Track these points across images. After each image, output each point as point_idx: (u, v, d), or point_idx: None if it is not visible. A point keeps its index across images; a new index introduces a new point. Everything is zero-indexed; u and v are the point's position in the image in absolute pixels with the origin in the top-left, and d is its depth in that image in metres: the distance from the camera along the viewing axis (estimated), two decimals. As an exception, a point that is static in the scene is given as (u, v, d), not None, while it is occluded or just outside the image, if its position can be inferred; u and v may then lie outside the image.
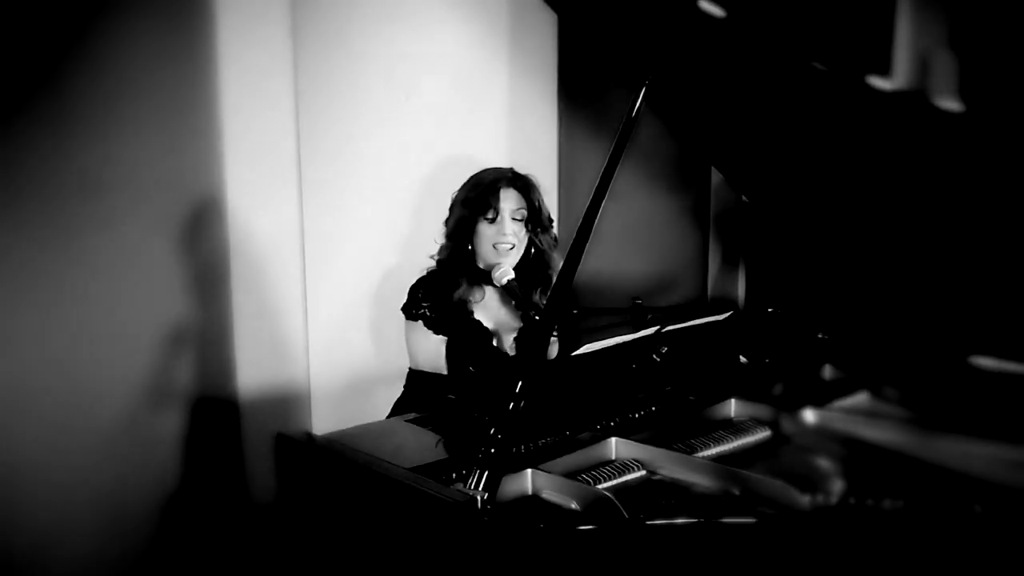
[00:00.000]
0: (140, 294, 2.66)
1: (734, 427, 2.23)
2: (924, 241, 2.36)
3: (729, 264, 4.47)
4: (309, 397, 3.05)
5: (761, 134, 2.48)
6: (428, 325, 2.65)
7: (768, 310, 2.72)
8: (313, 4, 2.94)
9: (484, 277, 2.68)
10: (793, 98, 2.20)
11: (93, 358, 2.59)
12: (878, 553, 1.63)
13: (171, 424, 2.78)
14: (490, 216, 2.64)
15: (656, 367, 2.33)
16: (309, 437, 2.18)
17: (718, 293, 4.47)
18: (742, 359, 2.60)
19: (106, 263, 2.59)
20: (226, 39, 2.74)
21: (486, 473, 1.70)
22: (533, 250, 2.73)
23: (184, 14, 2.67)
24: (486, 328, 2.68)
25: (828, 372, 2.61)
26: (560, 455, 2.00)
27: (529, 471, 1.91)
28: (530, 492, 1.91)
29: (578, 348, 2.10)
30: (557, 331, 2.75)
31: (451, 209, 2.73)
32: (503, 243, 2.64)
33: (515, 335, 2.72)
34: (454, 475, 1.89)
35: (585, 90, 3.71)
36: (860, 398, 2.39)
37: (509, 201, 2.65)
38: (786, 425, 2.23)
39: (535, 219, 2.69)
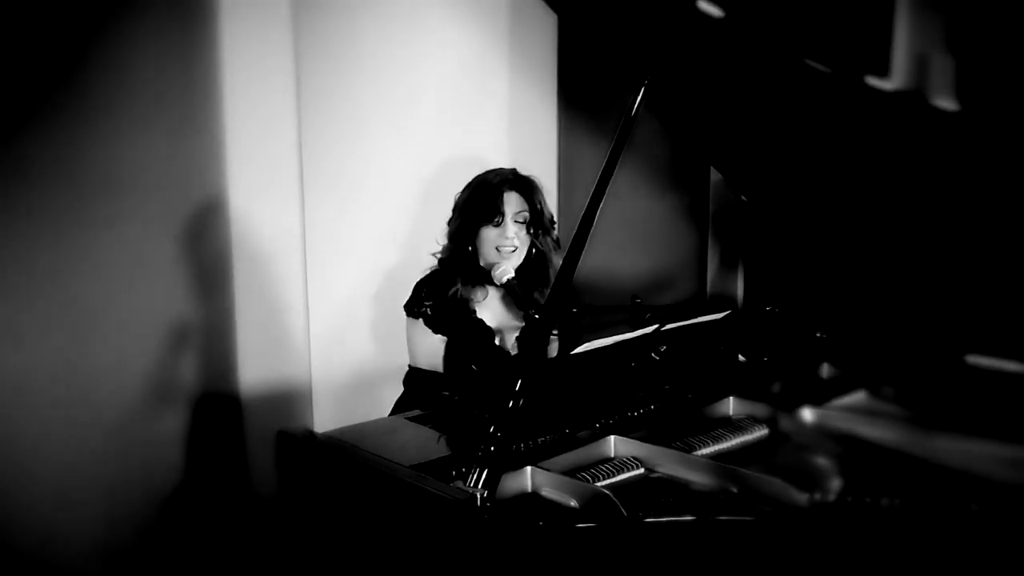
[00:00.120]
0: (144, 292, 2.67)
1: (732, 425, 2.23)
2: (922, 240, 2.37)
3: (728, 263, 4.48)
4: (310, 394, 3.05)
5: (760, 134, 2.48)
6: (428, 324, 2.66)
7: (766, 309, 2.72)
8: (315, 7, 2.95)
9: (486, 277, 2.69)
10: (792, 98, 2.20)
11: (97, 355, 2.60)
12: (876, 551, 1.64)
13: (174, 420, 2.79)
14: (493, 220, 2.65)
15: (655, 365, 2.34)
16: (310, 434, 2.18)
17: (717, 292, 4.48)
18: (740, 357, 2.60)
19: (111, 261, 2.60)
20: (229, 42, 2.75)
21: (486, 471, 1.71)
22: (534, 250, 2.73)
23: (188, 18, 2.69)
24: (488, 327, 2.69)
25: (826, 370, 2.61)
26: (559, 453, 2.01)
27: (529, 469, 1.91)
28: (529, 490, 1.91)
29: (578, 347, 2.10)
30: (557, 330, 2.75)
31: (454, 211, 2.73)
32: (506, 246, 2.64)
33: (517, 334, 2.73)
34: (454, 473, 1.89)
35: (585, 90, 3.72)
36: (858, 396, 2.39)
37: (511, 205, 2.66)
38: (784, 423, 2.24)
39: (536, 222, 2.69)
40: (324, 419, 3.06)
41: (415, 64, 3.23)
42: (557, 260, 2.72)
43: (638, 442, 2.06)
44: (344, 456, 2.00)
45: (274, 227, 2.89)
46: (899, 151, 2.14)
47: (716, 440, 2.14)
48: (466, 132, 3.38)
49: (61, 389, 2.55)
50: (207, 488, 2.87)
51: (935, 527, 1.70)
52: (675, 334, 2.34)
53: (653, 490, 1.92)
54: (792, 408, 2.25)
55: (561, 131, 3.65)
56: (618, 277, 3.89)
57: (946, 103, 1.89)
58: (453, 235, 2.71)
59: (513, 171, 2.72)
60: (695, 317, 2.40)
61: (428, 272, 2.74)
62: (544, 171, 2.94)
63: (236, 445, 2.89)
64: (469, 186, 2.72)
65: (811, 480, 1.92)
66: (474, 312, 2.69)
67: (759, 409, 2.30)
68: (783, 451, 2.16)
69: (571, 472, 1.94)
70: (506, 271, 2.60)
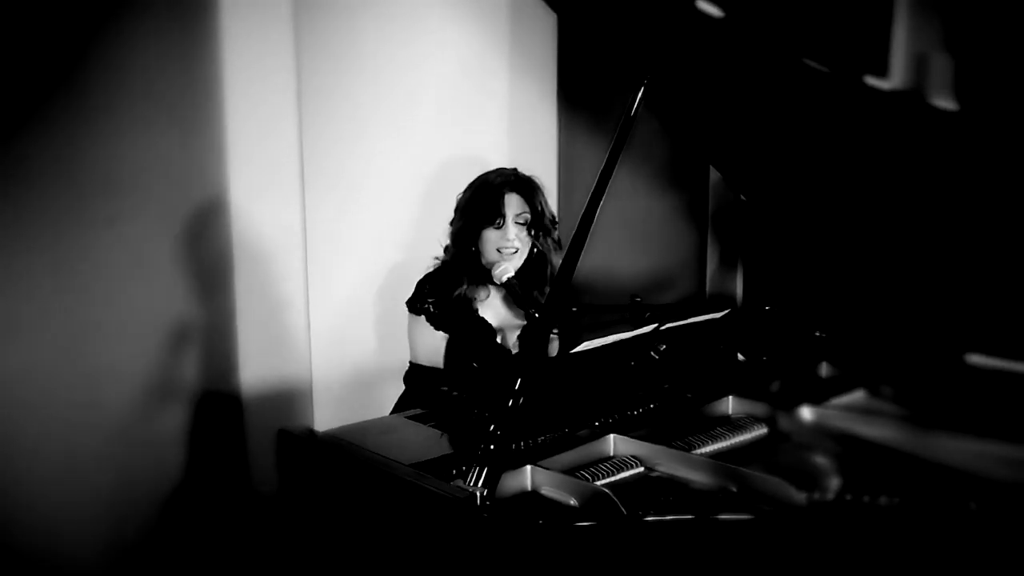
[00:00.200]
0: (145, 291, 2.68)
1: (732, 424, 2.23)
2: (920, 239, 2.37)
3: (727, 262, 4.48)
4: (311, 393, 3.06)
5: (759, 133, 2.49)
6: (430, 320, 2.66)
7: (766, 308, 2.72)
8: (315, 7, 2.96)
9: (488, 276, 2.69)
10: (791, 98, 2.20)
11: (98, 354, 2.61)
12: (875, 550, 1.64)
13: (175, 419, 2.80)
14: (495, 222, 2.65)
15: (654, 364, 2.34)
16: (311, 433, 2.19)
17: (716, 291, 4.48)
18: (740, 356, 2.60)
19: (112, 260, 2.61)
20: (230, 42, 2.75)
21: (486, 469, 1.71)
22: (535, 250, 2.74)
23: (189, 17, 2.69)
24: (490, 325, 2.69)
25: (825, 369, 2.62)
26: (559, 452, 2.01)
27: (528, 468, 1.92)
28: (529, 488, 1.91)
29: (577, 346, 2.11)
30: (557, 329, 2.76)
31: (456, 211, 2.73)
32: (507, 248, 2.64)
33: (518, 333, 2.73)
34: (454, 471, 1.89)
35: (585, 90, 3.72)
36: (857, 395, 2.39)
37: (512, 206, 2.66)
38: (783, 422, 2.24)
39: (538, 223, 2.69)
40: (325, 418, 3.07)
41: (415, 64, 3.23)
42: (558, 260, 2.72)
43: (638, 441, 2.07)
44: (345, 455, 2.00)
45: (275, 226, 2.89)
46: (898, 151, 2.14)
47: (715, 439, 2.14)
48: (466, 132, 3.39)
49: (62, 388, 2.56)
50: (208, 487, 2.87)
51: (934, 526, 1.70)
52: (674, 333, 2.34)
53: (653, 489, 1.92)
54: (791, 407, 2.25)
55: (561, 131, 3.66)
56: (618, 276, 3.89)
57: (945, 103, 1.90)
58: (456, 236, 2.71)
59: (514, 171, 2.72)
60: (694, 316, 2.40)
61: (431, 269, 2.74)
62: (544, 171, 2.95)
63: (237, 444, 2.90)
64: (471, 187, 2.72)
65: (810, 479, 1.93)
66: (476, 310, 2.70)
67: (758, 408, 2.30)
68: (782, 450, 2.16)
69: (571, 471, 1.94)
70: (506, 271, 2.61)
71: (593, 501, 1.78)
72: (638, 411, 2.29)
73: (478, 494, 1.67)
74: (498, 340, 2.70)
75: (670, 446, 2.05)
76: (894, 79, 1.98)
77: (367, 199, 3.19)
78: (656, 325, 2.26)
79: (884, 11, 1.99)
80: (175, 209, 2.73)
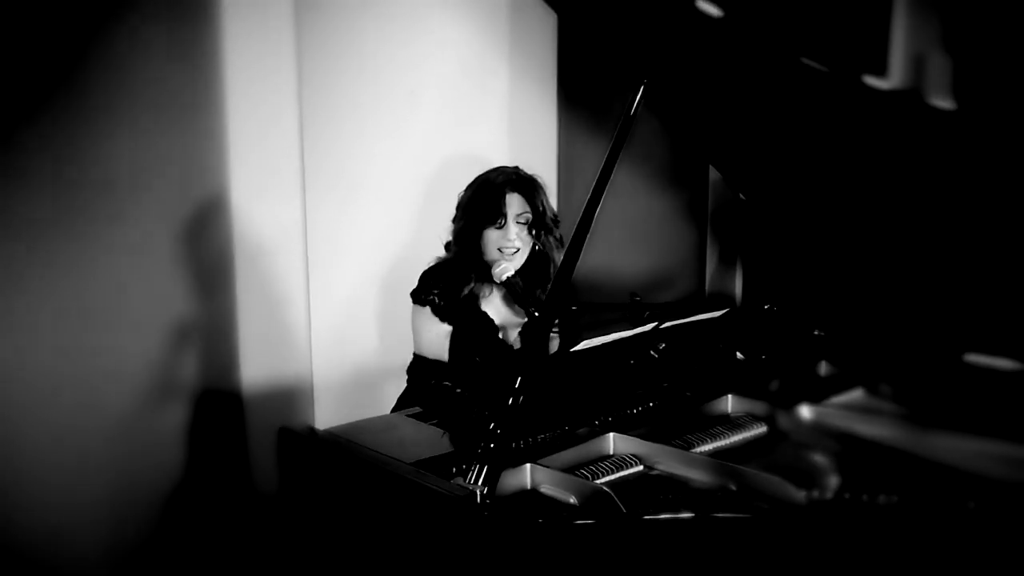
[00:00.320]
0: (146, 290, 2.68)
1: (731, 423, 2.24)
2: (919, 238, 2.37)
3: (726, 261, 4.48)
4: (312, 391, 3.06)
5: (758, 133, 2.49)
6: (436, 312, 2.66)
7: (765, 307, 2.73)
8: (316, 7, 2.96)
9: (490, 274, 2.69)
10: (790, 97, 2.20)
11: (99, 353, 2.61)
12: (873, 548, 1.65)
13: (176, 417, 2.80)
14: (496, 222, 2.65)
15: (654, 363, 2.34)
16: (311, 431, 2.19)
17: (715, 290, 4.48)
18: (739, 355, 2.60)
19: (112, 259, 2.61)
20: (231, 41, 2.75)
21: (486, 468, 1.72)
22: (537, 248, 2.74)
23: (190, 17, 2.69)
24: (492, 321, 2.70)
25: (824, 368, 2.62)
26: (559, 450, 2.02)
27: (528, 466, 1.92)
28: (529, 486, 1.92)
29: (577, 344, 2.11)
30: (558, 327, 2.76)
31: (457, 210, 2.73)
32: (508, 248, 2.65)
33: (519, 331, 2.74)
34: (454, 469, 1.90)
35: (585, 89, 3.72)
36: (856, 394, 2.40)
37: (513, 206, 2.66)
38: (782, 421, 2.24)
39: (539, 222, 2.69)
40: (325, 416, 3.07)
41: (416, 63, 3.24)
42: (559, 259, 2.72)
43: (637, 439, 2.07)
44: (345, 453, 2.01)
45: (275, 225, 2.90)
46: (896, 150, 2.15)
47: (715, 437, 2.15)
48: (466, 131, 3.39)
49: (63, 387, 2.56)
50: (209, 485, 2.88)
51: (932, 524, 1.71)
52: (674, 332, 2.34)
53: (652, 487, 1.93)
54: (790, 406, 2.25)
55: (561, 130, 3.66)
56: (617, 275, 3.90)
57: (943, 102, 1.90)
58: (457, 235, 2.71)
59: (516, 170, 2.72)
60: (694, 315, 2.41)
61: (434, 262, 2.74)
62: (544, 170, 2.95)
63: (238, 442, 2.90)
64: (472, 185, 2.72)
65: (809, 477, 1.93)
66: (479, 307, 2.70)
67: (757, 407, 2.30)
68: (781, 448, 2.16)
69: (570, 469, 1.95)
70: (505, 270, 2.61)
71: (593, 499, 1.79)
72: (638, 409, 2.30)
73: (478, 492, 1.68)
74: (499, 336, 2.71)
75: (669, 444, 2.05)
76: (893, 79, 1.98)
77: (367, 198, 3.19)
78: (656, 324, 2.27)
79: (883, 11, 1.99)
80: (176, 208, 2.73)
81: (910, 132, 2.05)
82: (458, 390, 2.57)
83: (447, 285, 2.66)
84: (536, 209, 2.68)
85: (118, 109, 2.58)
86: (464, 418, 2.27)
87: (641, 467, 2.01)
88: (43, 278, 2.50)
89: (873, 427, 2.18)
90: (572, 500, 1.84)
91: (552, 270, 2.75)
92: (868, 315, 2.66)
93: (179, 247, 2.74)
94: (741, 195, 2.90)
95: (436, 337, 2.68)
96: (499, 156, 3.29)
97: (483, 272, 2.69)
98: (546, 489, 1.90)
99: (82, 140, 2.52)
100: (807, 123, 2.28)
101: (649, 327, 2.26)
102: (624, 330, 2.20)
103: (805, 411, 2.26)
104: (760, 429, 2.23)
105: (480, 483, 1.70)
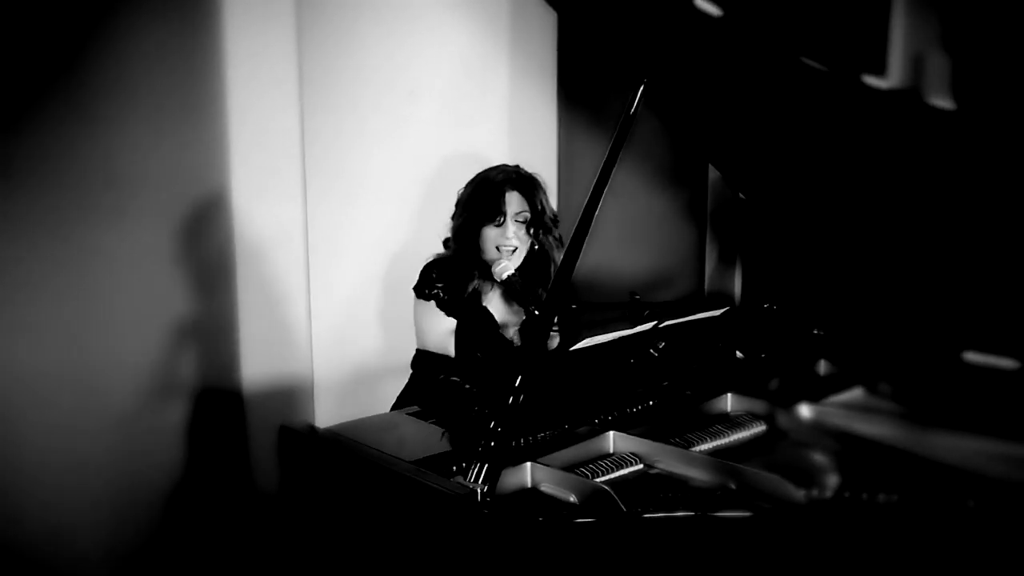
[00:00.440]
0: (146, 288, 2.69)
1: (730, 421, 2.24)
2: (918, 237, 2.38)
3: (726, 260, 4.49)
4: (312, 390, 3.07)
5: (758, 132, 2.49)
6: (441, 306, 2.66)
7: (764, 306, 2.73)
8: (317, 5, 2.96)
9: (490, 271, 2.70)
10: (790, 96, 2.20)
11: (100, 351, 2.62)
12: (873, 547, 1.65)
13: (177, 416, 2.80)
14: (495, 220, 2.66)
15: (653, 362, 2.34)
16: (312, 429, 2.20)
17: (715, 289, 4.49)
18: (738, 354, 2.61)
19: (113, 258, 2.61)
20: (232, 38, 2.76)
21: (486, 466, 1.72)
22: (536, 247, 2.74)
23: (191, 14, 2.69)
24: (493, 316, 2.70)
25: (823, 367, 2.62)
26: (559, 448, 2.02)
27: (528, 464, 1.92)
28: (529, 485, 1.92)
29: (577, 343, 2.11)
30: (558, 325, 2.76)
31: (456, 207, 2.74)
32: (506, 246, 2.65)
33: (518, 328, 2.74)
34: (455, 468, 1.90)
35: (585, 88, 3.73)
36: (855, 393, 2.40)
37: (513, 205, 2.66)
38: (782, 420, 2.25)
39: (537, 221, 2.69)
40: (326, 414, 3.08)
41: (416, 61, 3.24)
42: (559, 257, 2.72)
43: (637, 438, 2.07)
44: (346, 451, 2.01)
45: (276, 223, 2.90)
46: (895, 149, 2.15)
47: (714, 436, 2.15)
48: (466, 130, 3.39)
49: (64, 385, 2.56)
50: (210, 484, 2.88)
51: (932, 523, 1.71)
52: (674, 331, 2.34)
53: (652, 486, 1.93)
54: (790, 404, 2.26)
55: (561, 129, 3.66)
56: (617, 274, 3.90)
57: (942, 102, 1.90)
58: (456, 232, 2.72)
59: (516, 169, 2.72)
60: (693, 314, 2.41)
61: (435, 257, 2.74)
62: (544, 169, 2.95)
63: (238, 440, 2.90)
64: (472, 183, 2.73)
65: (808, 476, 1.94)
66: (480, 302, 2.71)
67: (757, 405, 2.30)
68: (781, 447, 2.17)
69: (570, 468, 1.95)
70: (506, 268, 2.61)
71: (592, 498, 1.79)
72: (637, 408, 2.30)
73: (478, 490, 1.68)
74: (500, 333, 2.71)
75: (669, 443, 2.06)
76: (892, 78, 1.99)
77: (368, 196, 3.19)
78: (655, 323, 2.27)
79: (882, 10, 1.99)
80: (176, 206, 2.73)
81: (909, 132, 2.05)
82: (467, 386, 2.57)
83: (450, 280, 2.67)
84: (535, 208, 2.69)
85: (119, 109, 2.58)
86: (464, 416, 2.27)
87: (641, 466, 2.01)
88: (43, 278, 2.50)
89: (872, 426, 2.18)
90: (572, 498, 1.84)
91: (552, 269, 2.75)
92: (867, 314, 2.66)
93: (179, 246, 2.74)
94: (740, 194, 2.90)
95: (441, 331, 2.68)
96: (499, 155, 3.29)
97: (484, 269, 2.69)
98: (546, 487, 1.90)
99: (82, 140, 2.52)
100: (806, 122, 2.29)
101: (649, 326, 2.26)
102: (624, 329, 2.20)
103: (804, 410, 2.26)
104: (759, 428, 2.23)
105: (480, 481, 1.70)
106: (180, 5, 2.67)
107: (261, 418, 2.90)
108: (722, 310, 2.49)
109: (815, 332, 2.68)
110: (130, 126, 2.61)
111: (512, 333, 2.74)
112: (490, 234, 2.66)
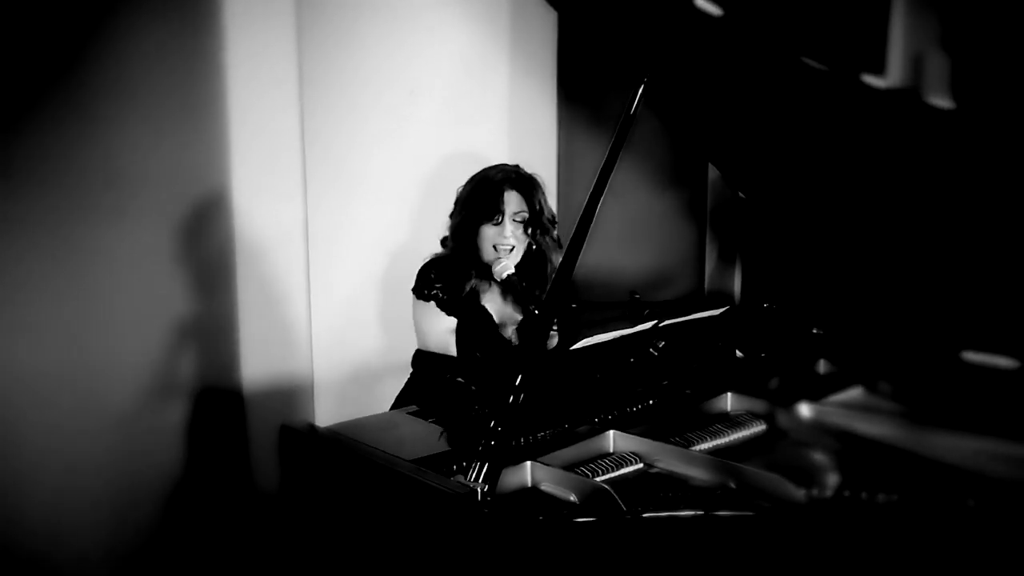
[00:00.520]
0: (147, 287, 2.69)
1: (730, 421, 2.24)
2: (918, 237, 2.38)
3: (725, 259, 4.49)
4: (312, 389, 3.07)
5: (757, 131, 2.49)
6: (441, 306, 2.66)
7: (764, 305, 2.73)
8: (318, 4, 2.96)
9: (488, 270, 2.70)
10: (789, 96, 2.20)
11: (100, 350, 2.62)
12: (873, 546, 1.65)
13: (177, 415, 2.80)
14: (493, 219, 2.66)
15: (653, 361, 2.35)
16: (312, 429, 2.20)
17: (715, 288, 4.49)
18: (738, 353, 2.61)
19: (113, 257, 2.61)
20: (233, 37, 2.76)
21: (486, 465, 1.72)
22: (534, 247, 2.75)
23: (191, 13, 2.69)
24: (491, 316, 2.70)
25: (823, 367, 2.63)
26: (559, 448, 2.02)
27: (528, 464, 1.93)
28: (529, 484, 1.92)
29: (577, 342, 2.11)
30: (557, 325, 2.76)
31: (455, 205, 2.74)
32: (503, 245, 2.65)
33: (516, 327, 2.74)
34: (455, 467, 1.90)
35: (585, 87, 3.73)
36: (855, 392, 2.40)
37: (511, 204, 2.66)
38: (782, 419, 2.25)
39: (535, 221, 2.69)
40: (326, 414, 3.08)
41: (416, 61, 3.24)
42: (557, 258, 2.72)
43: (637, 437, 2.07)
44: (346, 450, 2.01)
45: (276, 222, 2.90)
46: (895, 149, 2.15)
47: (714, 435, 2.15)
48: (466, 129, 3.39)
49: (64, 385, 2.56)
50: (210, 483, 2.88)
51: (931, 523, 1.71)
52: (673, 330, 2.34)
53: (652, 485, 1.93)
54: (789, 404, 2.26)
55: (561, 128, 3.66)
56: (617, 273, 3.90)
57: (941, 101, 1.91)
58: (454, 230, 2.72)
59: (516, 169, 2.72)
60: (693, 313, 2.41)
61: (432, 257, 2.74)
62: (543, 168, 2.96)
63: (239, 439, 2.91)
64: (471, 181, 2.73)
65: (808, 475, 1.94)
66: (479, 302, 2.71)
67: (757, 405, 2.31)
68: (781, 447, 2.17)
69: (570, 467, 1.95)
70: (506, 267, 2.61)
71: (593, 497, 1.79)
72: (637, 407, 2.30)
73: (478, 490, 1.68)
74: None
75: (669, 442, 2.06)
76: (891, 77, 1.99)
77: (368, 195, 3.20)
78: (655, 322, 2.27)
79: (881, 10, 1.99)
80: (176, 205, 2.73)
81: (908, 131, 2.05)
82: (472, 387, 2.57)
83: (449, 280, 2.67)
84: (533, 208, 2.69)
85: (119, 109, 2.58)
86: (464, 416, 2.27)
87: (641, 465, 2.01)
88: (43, 278, 2.50)
89: (872, 425, 2.18)
90: (572, 498, 1.84)
91: (549, 270, 2.76)
92: (867, 313, 2.66)
93: (180, 246, 2.74)
94: (740, 194, 2.90)
95: (441, 331, 2.68)
96: (499, 155, 3.30)
97: (481, 268, 2.70)
98: (546, 487, 1.90)
99: (83, 140, 2.52)
100: (806, 122, 2.29)
101: (649, 325, 2.26)
102: (624, 328, 2.20)
103: (804, 409, 2.26)
104: (759, 427, 2.23)
105: (480, 481, 1.70)
106: (180, 5, 2.67)
107: (261, 418, 2.90)
108: (722, 309, 2.49)
109: (815, 331, 2.68)
110: (130, 126, 2.61)
111: (511, 332, 2.74)
112: (488, 233, 2.66)
